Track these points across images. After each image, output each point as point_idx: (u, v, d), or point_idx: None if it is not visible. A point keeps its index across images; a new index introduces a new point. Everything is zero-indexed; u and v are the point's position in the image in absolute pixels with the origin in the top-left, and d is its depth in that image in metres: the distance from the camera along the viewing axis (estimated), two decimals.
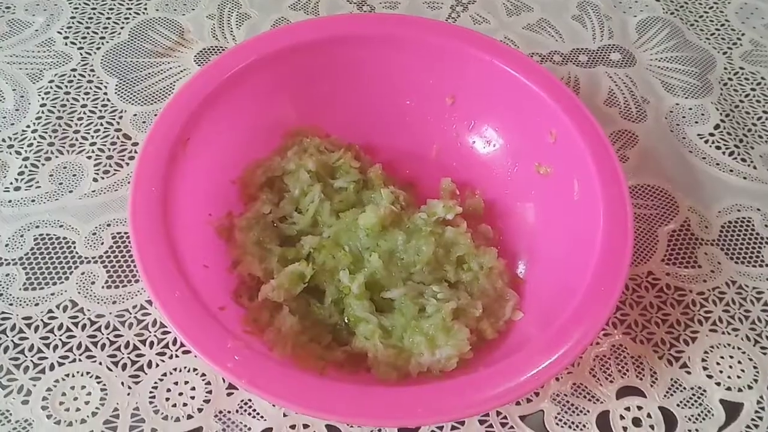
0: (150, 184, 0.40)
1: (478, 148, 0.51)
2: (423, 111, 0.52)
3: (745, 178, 0.54)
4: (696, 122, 0.57)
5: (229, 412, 0.41)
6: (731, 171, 0.54)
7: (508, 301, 0.44)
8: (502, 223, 0.49)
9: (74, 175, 0.50)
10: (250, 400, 0.42)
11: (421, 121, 0.52)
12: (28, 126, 0.52)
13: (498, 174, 0.50)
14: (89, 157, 0.51)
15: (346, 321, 0.42)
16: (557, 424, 0.42)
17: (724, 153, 0.55)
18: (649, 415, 0.43)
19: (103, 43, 0.58)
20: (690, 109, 0.58)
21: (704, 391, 0.44)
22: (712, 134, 0.57)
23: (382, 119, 0.52)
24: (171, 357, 0.43)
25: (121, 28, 0.59)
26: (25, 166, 0.50)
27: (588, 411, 0.43)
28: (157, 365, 0.43)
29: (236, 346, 0.35)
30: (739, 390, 0.44)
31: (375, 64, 0.50)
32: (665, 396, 0.44)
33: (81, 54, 0.57)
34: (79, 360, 0.43)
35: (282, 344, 0.39)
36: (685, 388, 0.44)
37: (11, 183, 0.49)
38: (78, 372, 0.42)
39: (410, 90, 0.51)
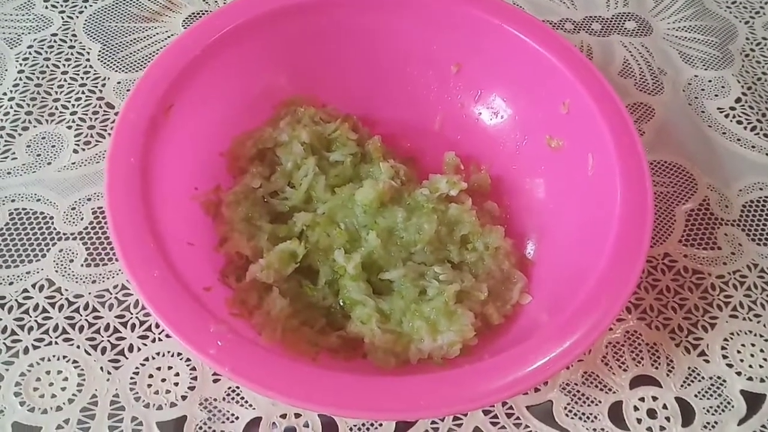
0: (128, 155, 0.37)
1: (485, 120, 0.48)
2: (426, 79, 0.48)
3: (767, 154, 0.51)
4: (716, 95, 0.54)
5: (215, 399, 0.39)
6: (753, 147, 0.51)
7: (516, 283, 0.41)
8: (510, 200, 0.46)
9: (53, 146, 0.47)
10: (237, 388, 0.39)
11: (424, 90, 0.49)
12: (5, 94, 0.49)
13: (506, 147, 0.47)
14: (69, 127, 0.48)
15: (341, 304, 0.40)
16: (567, 415, 0.39)
17: (745, 128, 0.52)
18: (665, 406, 0.40)
19: (86, 7, 0.55)
20: (709, 81, 0.55)
21: (724, 381, 0.41)
22: (732, 108, 0.53)
23: (382, 88, 0.49)
24: (153, 341, 0.40)
25: None
26: (1, 136, 0.47)
27: (600, 401, 0.40)
28: (139, 349, 0.40)
29: (219, 330, 0.32)
30: (761, 380, 0.41)
31: (375, 28, 0.46)
32: (682, 386, 0.41)
33: (62, 18, 0.54)
34: (56, 343, 0.40)
35: (271, 328, 0.36)
36: (703, 378, 0.41)
37: None
38: (54, 356, 0.39)
39: (412, 57, 0.48)
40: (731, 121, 0.52)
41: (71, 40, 0.53)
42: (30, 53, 0.51)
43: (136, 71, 0.51)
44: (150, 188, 0.36)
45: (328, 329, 0.39)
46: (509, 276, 0.42)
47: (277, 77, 0.46)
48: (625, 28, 0.58)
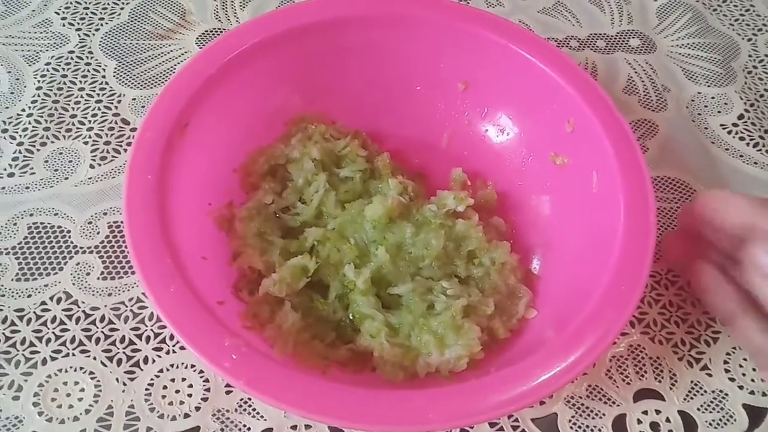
0: (146, 172, 0.38)
1: (491, 137, 0.49)
2: (434, 97, 0.49)
3: None
4: (719, 112, 0.55)
5: (227, 411, 0.40)
6: (756, 163, 0.52)
7: (521, 298, 0.42)
8: (516, 216, 0.47)
9: (70, 161, 0.48)
10: (249, 399, 0.40)
11: (432, 107, 0.50)
12: (23, 110, 0.50)
13: (512, 164, 0.48)
14: (86, 143, 0.49)
15: (351, 317, 0.40)
16: (571, 428, 0.40)
17: (748, 144, 0.53)
18: (668, 420, 0.41)
19: (102, 24, 0.56)
20: (713, 98, 0.56)
21: (726, 394, 0.42)
22: (735, 124, 0.54)
23: (391, 106, 0.50)
24: (168, 352, 0.41)
25: (121, 8, 0.57)
26: (20, 152, 0.48)
27: (604, 414, 0.41)
28: (154, 361, 0.41)
29: (234, 343, 0.33)
30: (763, 394, 0.42)
31: (384, 46, 0.47)
32: (685, 399, 0.42)
33: (79, 35, 0.55)
34: (73, 354, 0.41)
35: (283, 342, 0.37)
36: (706, 392, 0.42)
37: (5, 169, 0.47)
38: (71, 367, 0.40)
39: (420, 75, 0.49)
40: (734, 137, 0.53)
41: (88, 57, 0.54)
42: (48, 70, 0.53)
43: (151, 88, 0.52)
44: (166, 205, 0.37)
45: (338, 342, 0.40)
46: (515, 291, 0.42)
47: (288, 95, 0.47)
48: (630, 46, 0.59)
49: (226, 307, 0.37)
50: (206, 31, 0.57)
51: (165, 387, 0.40)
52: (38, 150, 0.49)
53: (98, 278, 0.44)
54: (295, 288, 0.40)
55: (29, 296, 0.43)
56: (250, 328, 0.38)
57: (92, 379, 0.40)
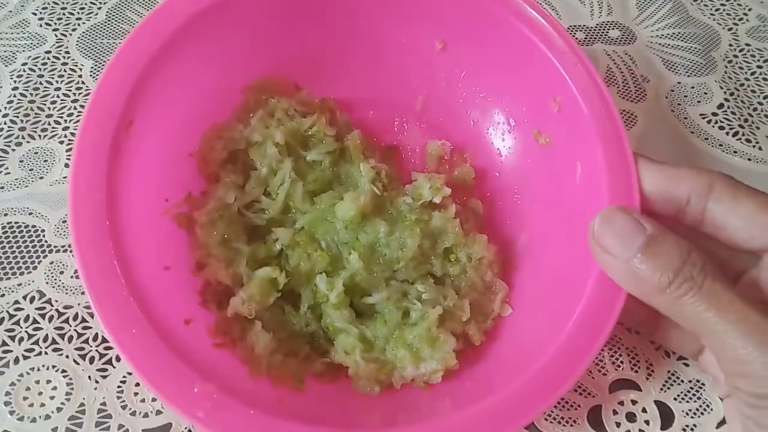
0: (92, 189, 0.34)
1: (469, 104, 0.46)
2: (408, 56, 0.46)
3: (749, 159, 0.51)
4: (698, 102, 0.54)
5: None
6: (735, 152, 0.52)
7: (497, 293, 0.41)
8: (494, 195, 0.45)
9: (45, 161, 0.48)
10: None
11: (406, 67, 0.46)
12: None
13: (491, 136, 0.46)
14: (61, 142, 0.49)
15: (325, 329, 0.40)
16: (546, 419, 0.40)
17: (727, 133, 0.53)
18: (644, 410, 0.41)
19: (79, 24, 0.56)
20: (692, 87, 0.55)
21: (703, 384, 0.42)
22: (715, 114, 0.54)
23: (361, 67, 0.46)
24: None
25: (99, 8, 0.57)
26: None
27: (579, 405, 0.41)
28: None
29: (205, 390, 0.31)
30: None
31: (347, 2, 0.43)
32: (662, 389, 0.41)
33: (56, 35, 0.55)
34: (45, 353, 0.41)
35: (256, 365, 0.36)
36: (682, 381, 0.42)
37: None
38: (44, 365, 0.40)
39: (394, 30, 0.45)
40: (713, 126, 0.53)
41: (64, 57, 0.54)
42: (24, 70, 0.53)
43: None
44: (117, 219, 0.34)
45: (313, 355, 0.39)
46: (491, 286, 0.42)
47: (243, 60, 0.43)
48: (609, 37, 0.58)
49: (194, 324, 0.36)
50: None
51: (137, 384, 0.40)
52: (14, 150, 0.49)
53: (72, 276, 0.43)
54: (265, 305, 0.39)
55: (2, 296, 0.43)
56: (221, 345, 0.36)
57: (64, 377, 0.40)
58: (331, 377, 0.39)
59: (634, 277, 0.33)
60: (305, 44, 0.44)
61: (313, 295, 0.40)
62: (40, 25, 0.56)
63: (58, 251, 0.44)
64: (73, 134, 0.49)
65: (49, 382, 0.40)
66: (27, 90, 0.52)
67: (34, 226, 0.45)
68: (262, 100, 0.44)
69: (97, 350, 0.41)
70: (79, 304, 0.42)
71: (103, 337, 0.41)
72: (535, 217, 0.43)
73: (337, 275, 0.39)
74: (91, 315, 0.42)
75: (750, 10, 0.61)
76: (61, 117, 0.50)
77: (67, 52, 0.54)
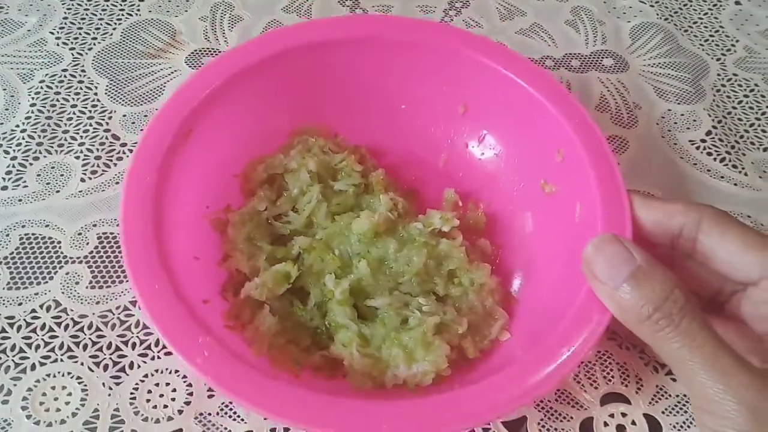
0: (145, 174, 0.40)
1: (487, 160, 0.50)
2: (434, 117, 0.51)
3: (735, 184, 0.54)
4: (688, 128, 0.57)
5: (209, 414, 0.41)
6: (722, 177, 0.54)
7: (497, 320, 0.43)
8: (503, 238, 0.48)
9: (62, 175, 0.50)
10: (231, 403, 0.42)
11: (432, 127, 0.51)
12: (17, 126, 0.52)
13: (504, 189, 0.49)
14: (77, 157, 0.51)
15: (327, 325, 0.42)
16: (540, 430, 0.42)
17: (715, 159, 0.55)
18: (633, 422, 0.42)
19: (94, 44, 0.58)
20: (682, 115, 0.58)
21: (689, 399, 0.43)
22: (703, 140, 0.56)
23: (392, 122, 0.51)
24: (153, 358, 0.43)
25: (114, 29, 0.60)
26: (13, 166, 0.50)
27: (572, 417, 0.42)
28: (139, 366, 0.42)
29: (207, 342, 0.35)
30: None
31: (389, 67, 0.49)
32: (650, 403, 0.43)
33: (72, 54, 0.57)
34: (61, 360, 0.42)
35: (259, 344, 0.39)
36: (670, 396, 0.44)
37: None
38: (59, 372, 0.42)
39: (422, 95, 0.50)
40: (702, 152, 0.55)
41: (80, 76, 0.56)
42: (42, 88, 0.55)
43: (141, 105, 0.55)
44: (162, 206, 0.39)
45: (312, 348, 0.42)
46: (491, 312, 0.43)
47: (292, 109, 0.49)
48: (603, 65, 0.61)
49: (211, 305, 0.39)
50: (195, 50, 0.59)
51: (149, 391, 0.42)
52: (31, 164, 0.50)
53: (87, 287, 0.45)
54: (276, 293, 0.42)
55: (20, 304, 0.44)
56: (232, 328, 0.39)
57: (79, 383, 0.42)
58: (328, 372, 0.41)
59: (619, 304, 0.35)
60: (346, 101, 0.51)
61: (320, 293, 0.42)
62: (58, 44, 0.58)
63: (73, 262, 0.46)
64: (89, 150, 0.51)
65: (64, 388, 0.41)
66: (44, 106, 0.54)
67: (50, 238, 0.47)
68: (303, 139, 0.49)
69: (110, 358, 0.43)
70: (93, 314, 0.44)
71: (116, 345, 0.43)
72: (539, 254, 0.46)
73: (344, 277, 0.42)
74: (105, 324, 0.44)
75: (737, 41, 0.63)
76: (77, 133, 0.52)
77: (83, 71, 0.56)
